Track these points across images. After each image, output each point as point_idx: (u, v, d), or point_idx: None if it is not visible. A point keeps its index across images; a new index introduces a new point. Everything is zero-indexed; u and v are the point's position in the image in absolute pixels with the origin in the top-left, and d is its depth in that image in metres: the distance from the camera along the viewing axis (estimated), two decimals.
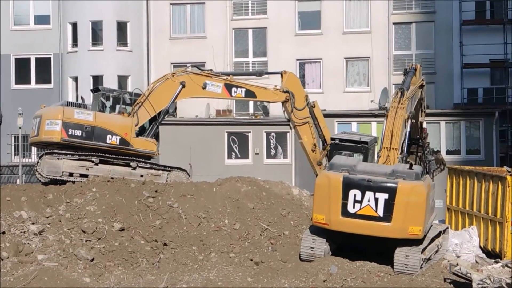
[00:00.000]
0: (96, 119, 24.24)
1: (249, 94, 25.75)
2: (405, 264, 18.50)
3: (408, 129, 21.19)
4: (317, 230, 19.35)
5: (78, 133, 24.02)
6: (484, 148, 38.35)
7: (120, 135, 24.43)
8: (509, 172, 22.69)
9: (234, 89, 25.49)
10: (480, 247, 22.44)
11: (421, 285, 17.99)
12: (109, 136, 24.30)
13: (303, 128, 26.24)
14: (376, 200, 18.49)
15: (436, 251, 20.42)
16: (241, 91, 25.55)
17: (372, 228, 18.52)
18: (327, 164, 20.27)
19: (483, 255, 21.92)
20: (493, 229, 22.48)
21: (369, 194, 18.53)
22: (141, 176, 24.42)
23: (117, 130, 24.40)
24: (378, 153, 20.78)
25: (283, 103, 26.11)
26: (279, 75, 26.36)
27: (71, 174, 23.93)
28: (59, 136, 23.93)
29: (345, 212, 18.65)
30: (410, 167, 19.04)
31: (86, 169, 24.05)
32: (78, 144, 24.07)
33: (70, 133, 23.95)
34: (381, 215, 18.47)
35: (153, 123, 25.25)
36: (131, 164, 24.51)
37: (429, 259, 19.74)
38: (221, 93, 25.50)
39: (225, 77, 25.66)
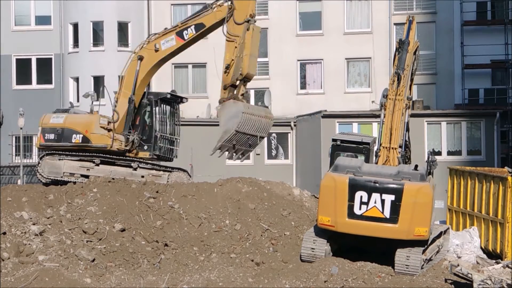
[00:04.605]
0: (66, 120, 24.51)
1: (199, 27, 24.55)
2: (406, 265, 18.46)
3: (406, 119, 20.78)
4: (318, 231, 19.31)
5: (51, 136, 24.40)
6: (485, 148, 38.30)
7: (82, 133, 24.45)
8: (510, 172, 22.64)
9: (185, 32, 24.55)
10: (481, 247, 22.42)
11: (422, 286, 17.98)
12: (74, 136, 24.39)
13: (229, 44, 24.16)
14: (383, 201, 18.42)
15: (437, 252, 20.38)
16: (191, 29, 24.57)
17: (378, 229, 18.45)
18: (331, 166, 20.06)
19: (484, 256, 21.90)
20: (494, 229, 22.45)
21: (375, 196, 18.46)
22: (142, 176, 24.38)
23: (80, 128, 24.43)
24: (376, 152, 20.64)
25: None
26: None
27: (72, 175, 23.98)
28: (38, 142, 24.76)
29: (351, 214, 18.55)
30: (415, 168, 19.00)
31: (87, 169, 24.10)
32: (53, 147, 24.41)
33: (46, 137, 24.46)
34: (388, 216, 18.40)
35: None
36: (132, 164, 24.51)
37: (430, 259, 19.70)
38: (176, 44, 24.57)
39: (174, 27, 24.79)
